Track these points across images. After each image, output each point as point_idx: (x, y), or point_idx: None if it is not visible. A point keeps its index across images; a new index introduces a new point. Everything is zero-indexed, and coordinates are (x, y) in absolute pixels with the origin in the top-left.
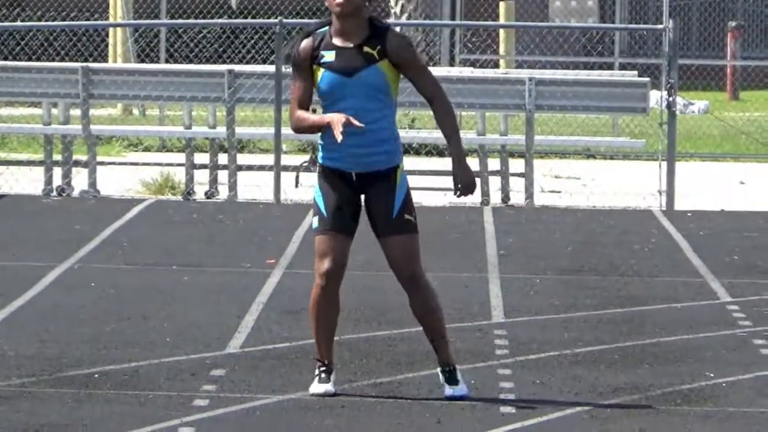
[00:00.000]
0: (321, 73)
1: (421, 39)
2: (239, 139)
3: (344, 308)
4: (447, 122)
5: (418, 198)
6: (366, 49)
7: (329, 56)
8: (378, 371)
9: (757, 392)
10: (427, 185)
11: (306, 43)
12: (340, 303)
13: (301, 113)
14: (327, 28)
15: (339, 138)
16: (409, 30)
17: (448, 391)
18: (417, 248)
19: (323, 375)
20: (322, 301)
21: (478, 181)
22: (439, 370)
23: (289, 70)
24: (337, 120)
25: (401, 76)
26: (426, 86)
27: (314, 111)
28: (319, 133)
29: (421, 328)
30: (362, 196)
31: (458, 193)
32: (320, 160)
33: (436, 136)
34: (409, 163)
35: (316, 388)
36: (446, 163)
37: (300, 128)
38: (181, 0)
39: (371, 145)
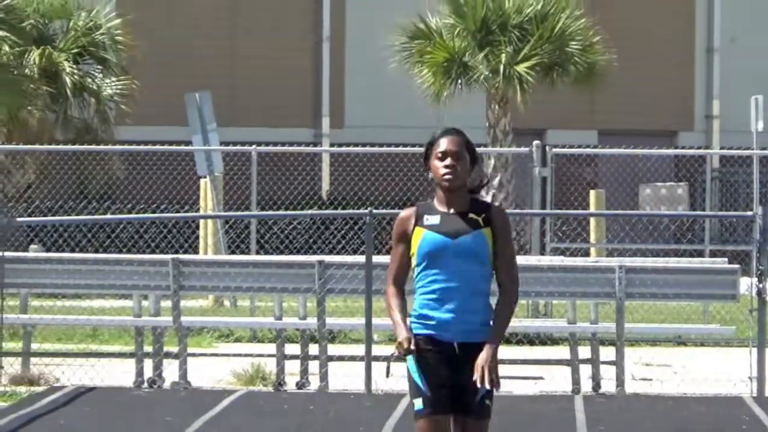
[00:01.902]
0: (423, 234)
1: (512, 227)
2: (330, 329)
3: None
4: (504, 314)
5: (508, 387)
6: (471, 215)
7: (434, 219)
8: None
9: None
10: (517, 374)
11: (409, 209)
12: None
13: (393, 300)
14: (430, 200)
15: (402, 349)
16: None
17: None
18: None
19: None
20: None
21: (568, 369)
22: None
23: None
24: (403, 338)
25: None
26: (506, 270)
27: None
28: (416, 299)
29: None
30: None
31: (479, 379)
32: (415, 331)
33: (526, 324)
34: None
35: None
36: (536, 352)
37: (387, 307)
38: (271, 192)
39: (469, 321)
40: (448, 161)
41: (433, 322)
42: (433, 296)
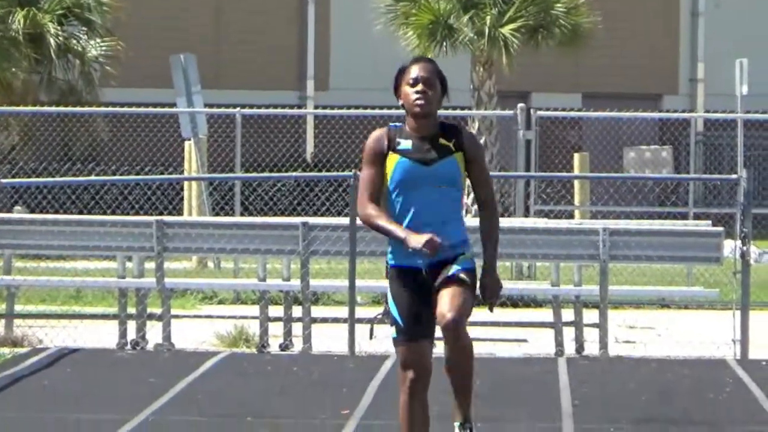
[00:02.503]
0: (396, 160)
1: (497, 189)
2: (314, 291)
3: None
4: (491, 231)
5: (492, 349)
6: (442, 141)
7: (406, 144)
8: None
9: None
10: (501, 336)
11: (381, 131)
12: (429, 415)
13: (377, 212)
14: (401, 124)
15: (428, 252)
16: None
17: None
18: (467, 303)
19: None
20: (410, 410)
21: (551, 331)
22: (457, 424)
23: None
24: (417, 241)
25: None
26: (484, 189)
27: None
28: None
29: None
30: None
31: (489, 305)
32: (390, 262)
33: (510, 286)
34: (484, 314)
35: None
36: (520, 315)
37: (371, 225)
38: (255, 154)
39: (443, 240)
40: (419, 87)
41: (408, 253)
42: (408, 225)
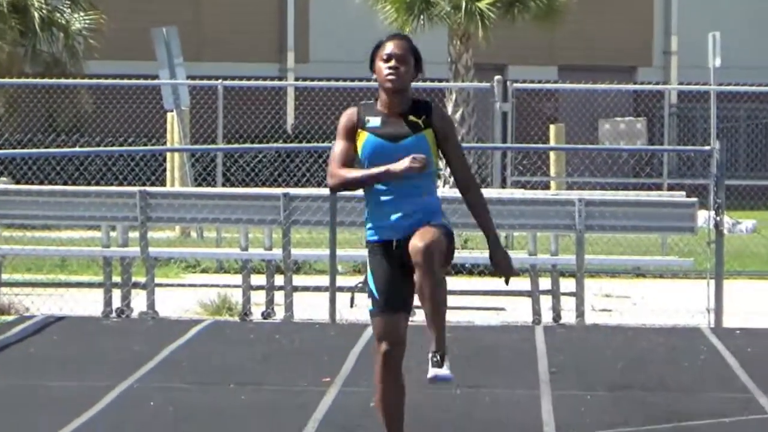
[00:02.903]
0: (365, 137)
1: (473, 161)
2: (295, 260)
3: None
4: (483, 206)
5: (470, 317)
6: (411, 118)
7: (375, 121)
8: None
9: None
10: (479, 305)
11: (352, 108)
12: (404, 384)
13: (347, 170)
14: (372, 101)
15: (417, 165)
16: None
17: (433, 373)
18: (440, 239)
19: None
20: (385, 379)
21: (528, 300)
22: (429, 354)
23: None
24: (401, 164)
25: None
26: (461, 169)
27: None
28: (367, 210)
29: None
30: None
31: (506, 279)
32: (368, 238)
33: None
34: (462, 283)
35: None
36: (498, 284)
37: (347, 183)
38: (237, 126)
39: (417, 216)
40: (392, 63)
41: (384, 227)
42: (381, 201)
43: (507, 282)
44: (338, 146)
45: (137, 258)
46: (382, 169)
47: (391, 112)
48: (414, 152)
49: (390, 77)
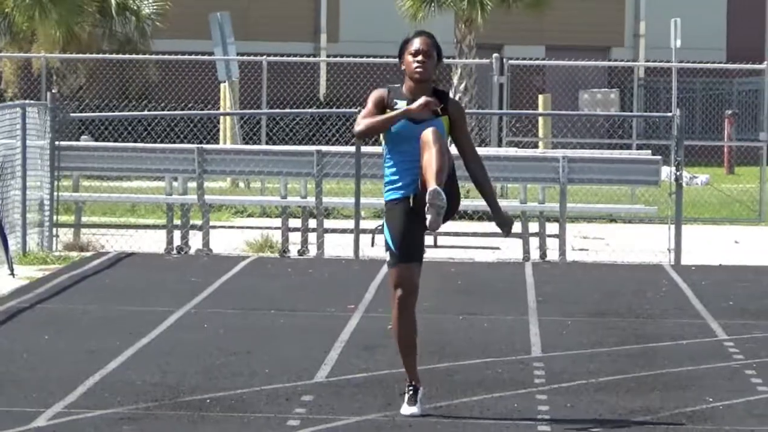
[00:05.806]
0: None
1: (475, 124)
2: (326, 207)
3: None
4: (485, 178)
5: (471, 255)
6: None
7: (402, 104)
8: (438, 397)
9: (748, 413)
10: (478, 245)
11: (383, 89)
12: (416, 320)
13: (371, 118)
14: (399, 85)
15: (432, 107)
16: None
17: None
18: (445, 143)
19: (410, 395)
20: (401, 321)
21: (520, 241)
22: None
23: (367, 149)
24: (417, 104)
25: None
26: (469, 149)
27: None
28: (387, 176)
29: (473, 362)
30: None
31: (506, 232)
32: (386, 198)
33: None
34: (464, 226)
35: (404, 410)
36: (493, 227)
37: (371, 128)
38: (278, 94)
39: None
40: (419, 57)
41: (402, 186)
42: (400, 169)
43: (507, 235)
44: (367, 109)
45: (194, 204)
46: (401, 110)
47: (416, 98)
48: None
49: (418, 69)
